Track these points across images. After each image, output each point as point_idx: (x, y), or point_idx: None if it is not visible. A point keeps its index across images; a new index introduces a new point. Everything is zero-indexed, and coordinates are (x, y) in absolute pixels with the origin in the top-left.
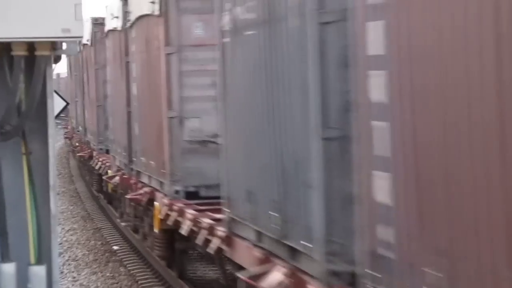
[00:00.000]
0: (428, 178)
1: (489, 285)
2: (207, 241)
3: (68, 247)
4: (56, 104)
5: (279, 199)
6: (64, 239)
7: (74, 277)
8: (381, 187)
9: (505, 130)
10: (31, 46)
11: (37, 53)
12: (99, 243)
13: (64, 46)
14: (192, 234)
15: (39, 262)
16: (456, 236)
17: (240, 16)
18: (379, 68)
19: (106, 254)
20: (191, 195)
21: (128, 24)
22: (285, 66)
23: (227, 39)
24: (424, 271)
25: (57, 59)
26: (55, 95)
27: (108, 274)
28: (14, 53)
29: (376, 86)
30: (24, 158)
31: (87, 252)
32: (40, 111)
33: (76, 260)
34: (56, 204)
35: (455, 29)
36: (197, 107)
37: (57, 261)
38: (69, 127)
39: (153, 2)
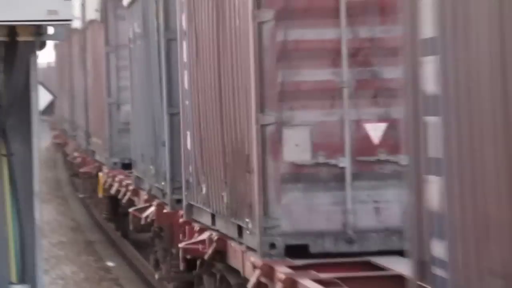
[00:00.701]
0: (204, 133)
1: (224, 176)
2: (124, 195)
3: (55, 264)
4: (41, 98)
5: (154, 156)
6: (51, 254)
7: None
8: (188, 140)
9: (221, 106)
10: (12, 30)
11: (19, 38)
12: (92, 258)
13: (51, 30)
14: (118, 192)
15: (21, 281)
16: (212, 162)
17: (136, 29)
18: (186, 69)
19: (100, 272)
20: (127, 166)
21: (84, 26)
22: (152, 66)
23: (132, 45)
24: (201, 187)
25: (42, 46)
26: (40, 87)
27: None
28: None
29: (186, 80)
30: (4, 160)
31: (77, 269)
32: (23, 105)
33: (65, 279)
34: (40, 213)
35: (208, 55)
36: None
37: (42, 280)
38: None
39: (97, 10)
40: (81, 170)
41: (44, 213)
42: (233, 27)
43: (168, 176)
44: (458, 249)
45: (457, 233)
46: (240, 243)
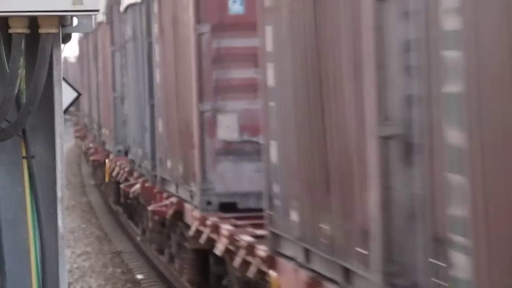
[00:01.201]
0: (168, 118)
1: (179, 152)
2: (121, 176)
3: (79, 276)
4: (65, 95)
5: (141, 140)
6: (75, 265)
7: None
8: (160, 125)
9: (177, 96)
10: (33, 22)
11: (41, 30)
12: (119, 271)
13: (75, 22)
14: (117, 175)
15: None
16: (173, 141)
17: (129, 33)
18: (158, 67)
19: (128, 285)
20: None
21: (95, 27)
22: (139, 65)
23: (126, 45)
24: (167, 163)
25: (67, 38)
26: (64, 84)
27: None
28: (12, 30)
29: (158, 76)
30: (24, 162)
31: (103, 282)
32: (45, 104)
33: None
34: (64, 221)
35: (169, 56)
36: None
37: None
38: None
39: (104, 13)
40: (91, 158)
41: (68, 220)
42: (183, 36)
43: (149, 156)
44: (283, 187)
45: (282, 176)
46: (191, 204)
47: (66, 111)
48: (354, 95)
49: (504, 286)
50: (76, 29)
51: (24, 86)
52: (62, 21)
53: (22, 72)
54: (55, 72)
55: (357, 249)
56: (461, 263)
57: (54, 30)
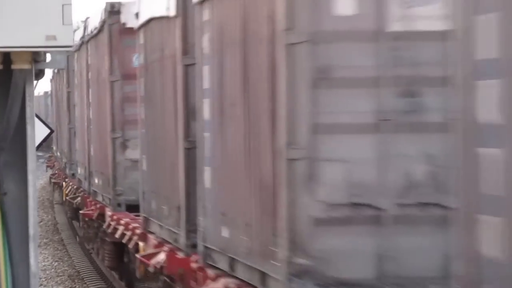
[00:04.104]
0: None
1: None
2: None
3: None
4: (37, 132)
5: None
6: None
7: None
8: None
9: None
10: (6, 57)
11: (14, 66)
12: None
13: (49, 57)
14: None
15: None
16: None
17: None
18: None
19: None
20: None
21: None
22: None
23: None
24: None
25: (40, 74)
26: (36, 120)
27: None
28: None
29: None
30: None
31: None
32: (17, 140)
33: None
34: (37, 259)
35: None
36: None
37: None
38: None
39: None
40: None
41: (40, 258)
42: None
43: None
44: None
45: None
46: None
47: (38, 148)
48: None
49: None
50: (50, 65)
51: None
52: (35, 57)
53: None
54: (28, 108)
55: None
56: None
57: (27, 66)
